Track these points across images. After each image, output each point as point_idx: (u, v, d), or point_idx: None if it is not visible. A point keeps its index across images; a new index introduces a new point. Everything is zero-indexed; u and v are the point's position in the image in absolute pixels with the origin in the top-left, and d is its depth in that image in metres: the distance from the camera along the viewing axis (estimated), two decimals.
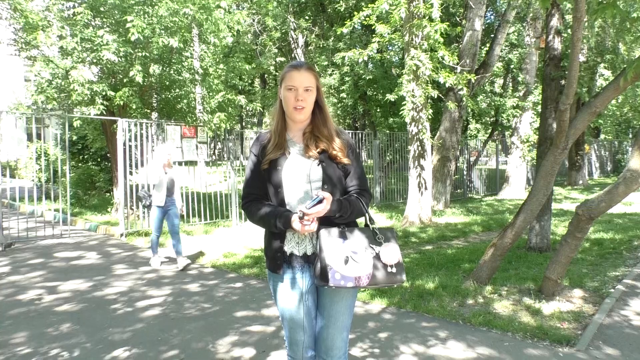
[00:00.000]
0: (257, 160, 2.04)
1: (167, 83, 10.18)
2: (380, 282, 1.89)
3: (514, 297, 4.58)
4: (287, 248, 1.99)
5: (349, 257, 1.86)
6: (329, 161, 1.99)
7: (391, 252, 1.93)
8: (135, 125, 8.95)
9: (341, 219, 1.93)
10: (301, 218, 1.82)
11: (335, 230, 1.90)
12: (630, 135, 28.69)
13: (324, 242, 1.86)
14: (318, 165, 1.97)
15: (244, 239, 8.17)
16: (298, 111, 1.97)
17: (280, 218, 1.91)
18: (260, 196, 2.04)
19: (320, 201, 1.81)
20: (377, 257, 1.90)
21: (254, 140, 2.13)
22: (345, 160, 2.00)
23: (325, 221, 1.92)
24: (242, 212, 9.95)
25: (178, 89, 10.53)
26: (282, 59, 19.32)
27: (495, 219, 9.89)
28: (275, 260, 2.00)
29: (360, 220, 2.06)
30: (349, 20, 9.05)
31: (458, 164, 14.13)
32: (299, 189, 1.97)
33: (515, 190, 15.08)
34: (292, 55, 18.71)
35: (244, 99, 11.53)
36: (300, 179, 1.97)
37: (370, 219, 2.00)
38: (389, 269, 1.90)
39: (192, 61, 10.63)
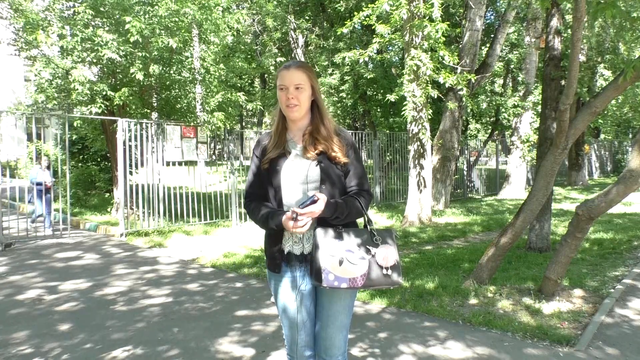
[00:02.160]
0: (258, 161, 2.05)
1: (167, 83, 10.18)
2: (375, 284, 1.88)
3: (514, 297, 4.58)
4: (286, 248, 1.99)
5: (344, 258, 1.85)
6: (328, 162, 1.98)
7: (388, 254, 1.92)
8: (135, 125, 8.96)
9: (337, 220, 1.92)
10: (295, 219, 1.81)
11: (331, 231, 1.90)
12: (630, 135, 28.68)
13: (320, 242, 1.86)
14: (316, 165, 1.97)
15: (244, 239, 8.17)
16: (291, 109, 1.96)
17: (273, 218, 1.92)
18: (261, 196, 2.04)
19: (314, 201, 1.81)
20: (374, 258, 1.90)
21: (257, 140, 2.14)
22: (345, 160, 2.00)
23: (322, 222, 1.92)
24: (242, 212, 9.97)
25: (178, 88, 10.53)
26: (282, 59, 19.33)
27: (495, 219, 9.89)
28: (275, 259, 2.00)
29: (360, 221, 2.06)
30: (349, 20, 9.06)
31: (458, 164, 14.13)
32: (297, 190, 1.97)
33: (515, 190, 15.08)
34: (292, 55, 18.71)
35: (243, 96, 11.52)
36: (298, 179, 1.97)
37: (369, 220, 2.00)
38: (385, 271, 1.89)
39: (192, 61, 10.64)
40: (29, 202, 9.90)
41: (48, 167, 9.35)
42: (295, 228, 1.83)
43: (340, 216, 1.91)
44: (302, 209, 1.81)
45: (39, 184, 9.16)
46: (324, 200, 1.84)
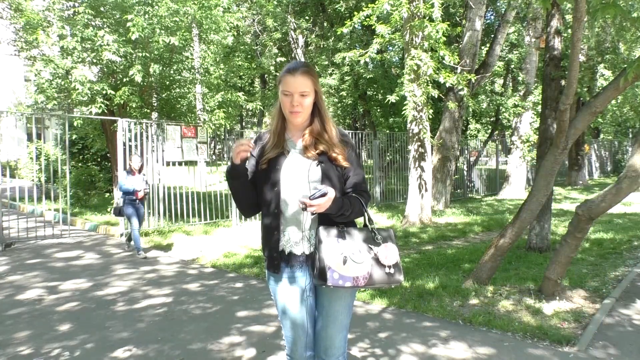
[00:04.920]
0: (254, 161, 2.05)
1: (167, 83, 10.18)
2: (378, 283, 1.89)
3: (514, 297, 4.58)
4: (286, 248, 1.99)
5: (348, 257, 1.86)
6: (328, 162, 1.98)
7: (389, 253, 1.93)
8: (135, 125, 8.96)
9: (341, 217, 1.93)
10: (304, 209, 1.82)
11: (334, 230, 1.90)
12: (630, 135, 28.68)
13: (323, 241, 1.87)
14: (317, 165, 1.97)
15: (244, 239, 8.17)
16: (295, 115, 1.97)
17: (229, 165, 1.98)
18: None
19: (323, 195, 1.81)
20: (376, 257, 1.91)
21: (253, 140, 2.13)
22: (345, 164, 2.00)
23: (324, 221, 1.92)
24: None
25: (178, 88, 10.54)
26: (282, 59, 19.33)
27: (495, 219, 9.88)
28: (274, 260, 2.00)
29: (360, 221, 2.06)
30: (349, 20, 9.05)
31: (458, 164, 14.13)
32: (297, 189, 1.96)
33: (515, 190, 15.08)
34: (292, 55, 18.71)
35: (243, 95, 11.54)
36: (299, 178, 1.97)
37: (369, 219, 2.00)
38: (387, 270, 1.90)
39: (192, 60, 10.64)
40: (116, 213, 7.36)
41: (140, 170, 7.16)
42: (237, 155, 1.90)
43: (345, 213, 1.92)
44: (312, 200, 1.81)
45: (128, 192, 6.97)
46: (333, 195, 1.84)
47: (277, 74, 20.17)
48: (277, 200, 1.97)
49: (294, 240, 1.98)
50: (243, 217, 9.93)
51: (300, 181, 1.96)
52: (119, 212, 7.19)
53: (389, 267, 1.91)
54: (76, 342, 3.75)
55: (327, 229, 1.89)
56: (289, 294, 2.00)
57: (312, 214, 1.86)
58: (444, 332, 3.84)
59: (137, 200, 7.06)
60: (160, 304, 4.72)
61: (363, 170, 2.11)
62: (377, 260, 1.90)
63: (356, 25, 9.82)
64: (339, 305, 2.01)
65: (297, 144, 2.03)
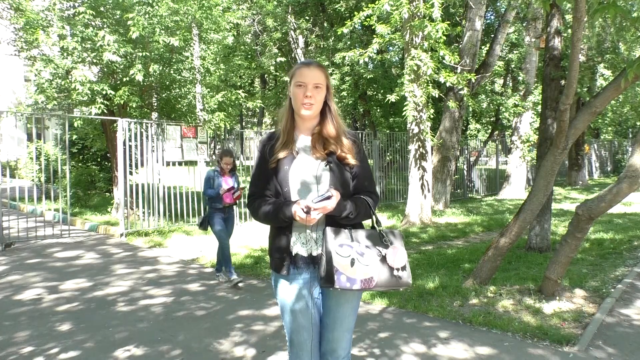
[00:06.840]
0: (264, 160, 2.03)
1: (167, 83, 10.18)
2: (386, 285, 1.86)
3: (514, 297, 4.58)
4: (293, 248, 1.96)
5: (355, 259, 1.83)
6: (336, 163, 1.97)
7: (398, 255, 1.90)
8: (135, 125, 8.96)
9: (348, 220, 1.91)
10: (307, 213, 1.80)
11: (341, 232, 1.89)
12: (630, 135, 28.66)
13: (330, 243, 1.84)
14: (326, 166, 1.96)
15: (244, 239, 8.17)
16: (307, 107, 1.96)
17: (283, 210, 1.88)
18: (265, 195, 2.02)
19: (328, 197, 1.80)
20: (384, 259, 1.88)
21: (262, 139, 2.12)
22: (354, 161, 1.99)
23: (332, 222, 1.91)
24: (242, 212, 9.96)
25: (178, 88, 10.53)
26: (283, 59, 19.33)
27: (495, 219, 9.88)
28: (281, 260, 1.97)
29: (367, 222, 2.05)
30: (349, 20, 9.05)
31: (458, 164, 14.13)
32: (305, 190, 1.95)
33: (515, 190, 15.08)
34: (292, 55, 18.70)
35: (243, 92, 11.54)
36: (307, 179, 1.96)
37: (377, 221, 1.99)
38: (395, 272, 1.87)
39: (192, 60, 10.65)
40: (200, 225, 5.68)
41: (232, 171, 5.62)
42: (307, 221, 1.82)
43: (351, 216, 1.91)
44: (316, 203, 1.80)
45: (213, 198, 5.47)
46: (337, 197, 1.84)
47: (277, 74, 20.18)
48: (286, 199, 1.96)
49: (301, 242, 1.96)
50: (243, 217, 9.95)
51: (308, 183, 1.95)
52: (202, 223, 5.66)
53: (397, 269, 1.88)
54: (76, 342, 3.75)
55: (335, 231, 1.87)
56: (294, 296, 1.97)
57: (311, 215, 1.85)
58: (444, 332, 3.84)
59: (226, 208, 5.58)
60: (161, 304, 4.72)
61: (371, 171, 2.10)
62: (385, 263, 1.87)
63: (356, 26, 9.82)
64: (346, 307, 1.99)
65: (306, 144, 2.02)
